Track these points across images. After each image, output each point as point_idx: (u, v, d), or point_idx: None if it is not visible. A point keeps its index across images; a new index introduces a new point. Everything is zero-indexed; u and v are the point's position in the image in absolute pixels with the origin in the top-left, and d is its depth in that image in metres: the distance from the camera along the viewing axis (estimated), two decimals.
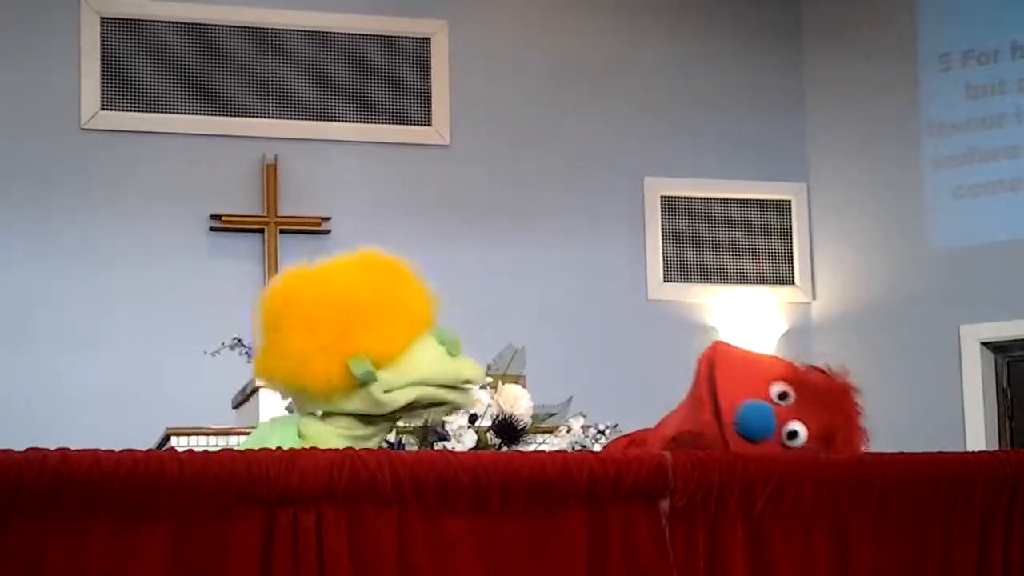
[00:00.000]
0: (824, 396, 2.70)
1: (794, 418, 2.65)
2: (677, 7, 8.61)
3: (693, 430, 2.70)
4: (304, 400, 2.75)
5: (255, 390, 5.05)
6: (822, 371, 2.76)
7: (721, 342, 2.84)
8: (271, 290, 2.78)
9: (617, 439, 3.16)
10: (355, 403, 2.70)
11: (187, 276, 7.57)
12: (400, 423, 4.15)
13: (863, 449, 2.72)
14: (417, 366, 2.72)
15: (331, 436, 2.69)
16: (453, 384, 2.77)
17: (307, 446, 2.52)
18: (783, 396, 2.67)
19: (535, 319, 7.73)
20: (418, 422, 3.00)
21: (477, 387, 2.84)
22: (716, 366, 2.71)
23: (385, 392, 2.69)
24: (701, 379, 2.70)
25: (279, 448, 2.36)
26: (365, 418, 2.73)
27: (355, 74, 8.04)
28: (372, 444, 2.73)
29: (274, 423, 2.81)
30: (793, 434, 2.64)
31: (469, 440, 4.33)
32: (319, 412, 2.75)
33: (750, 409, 2.63)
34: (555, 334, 7.62)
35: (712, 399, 2.67)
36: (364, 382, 2.65)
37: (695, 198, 8.50)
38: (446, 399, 2.78)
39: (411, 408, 2.77)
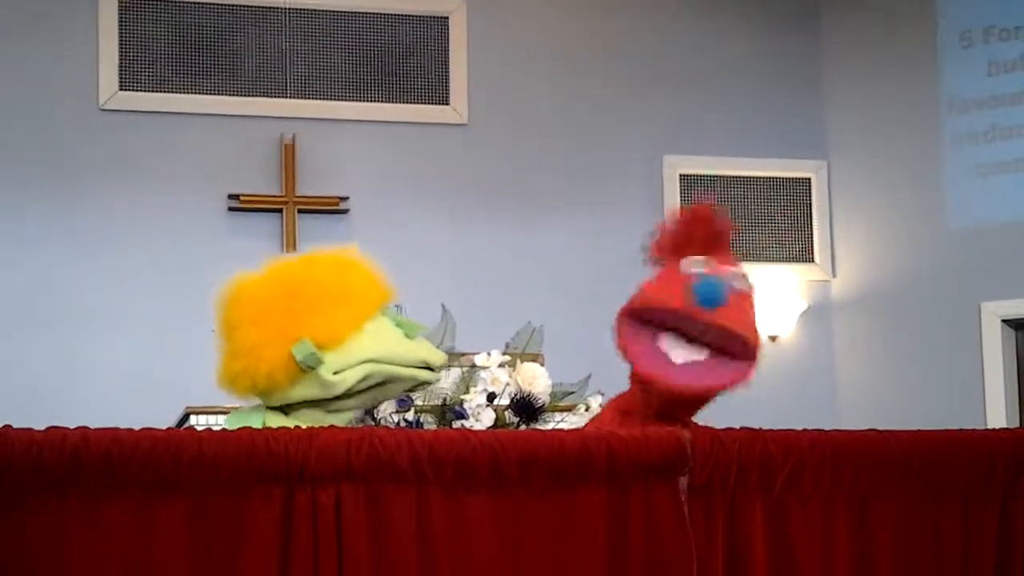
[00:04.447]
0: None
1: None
2: None
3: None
4: (263, 398, 2.73)
5: None
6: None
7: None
8: (222, 296, 2.78)
9: (602, 410, 3.14)
10: (307, 390, 2.67)
11: (206, 256, 7.57)
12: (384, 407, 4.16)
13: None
14: (369, 345, 2.69)
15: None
16: (410, 363, 2.73)
17: None
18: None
19: (553, 298, 7.72)
20: (385, 398, 2.96)
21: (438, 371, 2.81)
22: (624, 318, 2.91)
23: (335, 373, 2.66)
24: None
25: (297, 427, 2.36)
26: (325, 406, 2.70)
27: (373, 53, 8.03)
28: None
29: (239, 417, 2.77)
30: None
31: (487, 418, 4.34)
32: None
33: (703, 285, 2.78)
34: (573, 313, 7.59)
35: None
36: (309, 366, 2.63)
37: (714, 176, 8.47)
38: (402, 375, 2.73)
39: (366, 389, 2.72)
